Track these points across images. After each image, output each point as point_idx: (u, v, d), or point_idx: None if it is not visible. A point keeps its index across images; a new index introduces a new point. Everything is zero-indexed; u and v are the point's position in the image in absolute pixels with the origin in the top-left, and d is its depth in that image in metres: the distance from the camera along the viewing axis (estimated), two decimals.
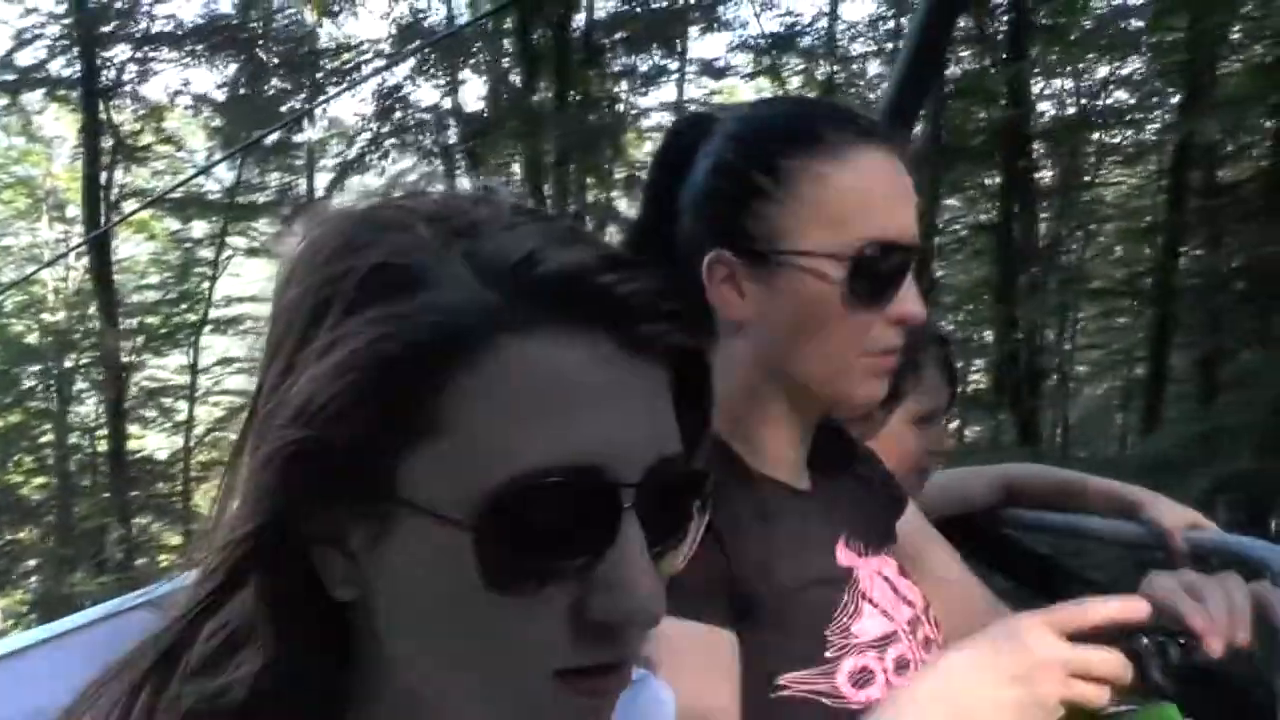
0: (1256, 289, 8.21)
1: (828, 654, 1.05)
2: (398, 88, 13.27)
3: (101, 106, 13.29)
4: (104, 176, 13.38)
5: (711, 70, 13.30)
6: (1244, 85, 8.89)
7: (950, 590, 1.29)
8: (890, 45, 11.86)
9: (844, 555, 1.16)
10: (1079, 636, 0.90)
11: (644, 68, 13.42)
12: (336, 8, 13.60)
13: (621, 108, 13.34)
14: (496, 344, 0.54)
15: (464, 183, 0.62)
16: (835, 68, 13.01)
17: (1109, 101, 10.96)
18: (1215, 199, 9.10)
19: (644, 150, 14.01)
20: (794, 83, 13.18)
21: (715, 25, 12.87)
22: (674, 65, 13.42)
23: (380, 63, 13.49)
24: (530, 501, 0.53)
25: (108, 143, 13.43)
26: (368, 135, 13.58)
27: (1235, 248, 8.62)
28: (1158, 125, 10.34)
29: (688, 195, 1.15)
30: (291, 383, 0.56)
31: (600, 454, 0.54)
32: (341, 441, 0.54)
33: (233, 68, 13.64)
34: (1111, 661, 0.89)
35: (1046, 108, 11.57)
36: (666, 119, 13.58)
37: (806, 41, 13.13)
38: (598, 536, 0.54)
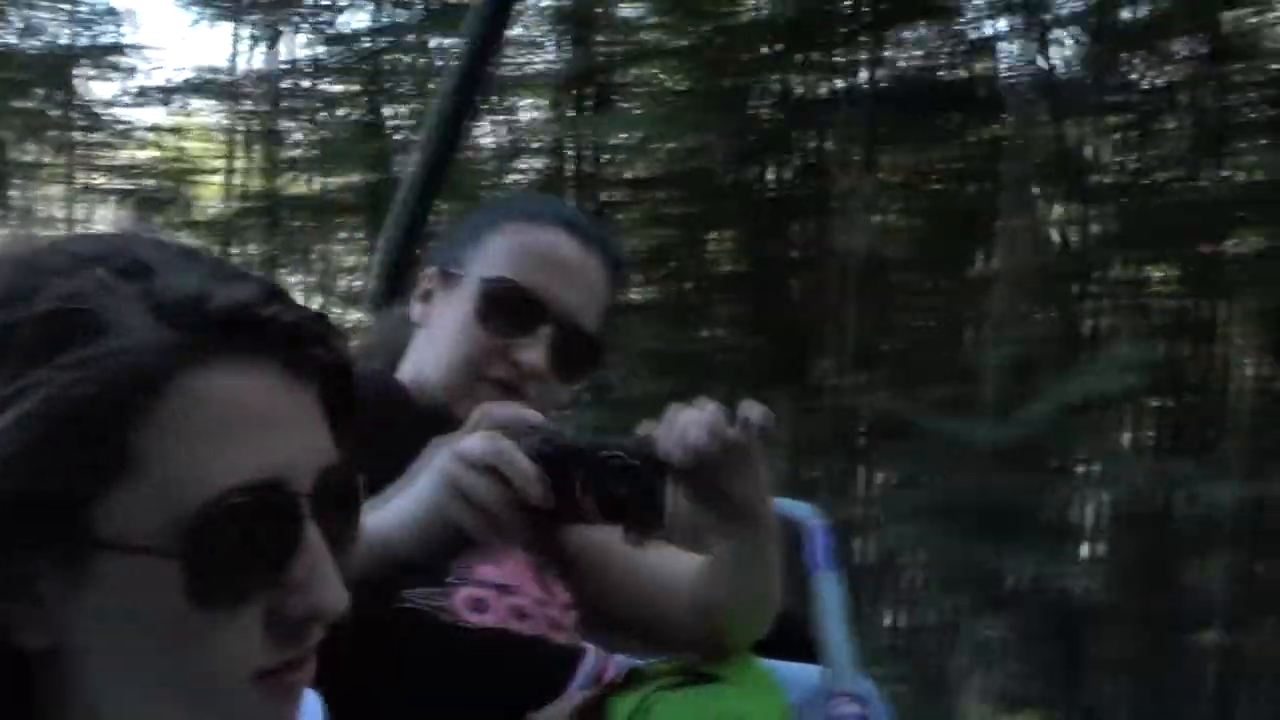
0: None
1: (450, 580, 1.25)
2: None
3: None
4: None
5: (99, 119, 12.16)
6: None
7: (597, 549, 1.31)
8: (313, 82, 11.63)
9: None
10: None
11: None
12: None
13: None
14: (179, 379, 0.56)
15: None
16: (263, 110, 12.54)
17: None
18: None
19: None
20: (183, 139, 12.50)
21: (107, 71, 11.85)
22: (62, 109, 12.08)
23: None
24: (223, 521, 0.56)
25: None
26: None
27: None
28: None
29: None
30: None
31: (279, 470, 0.58)
32: (28, 492, 0.55)
33: None
34: (479, 442, 1.03)
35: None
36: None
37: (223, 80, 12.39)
38: (285, 544, 0.59)
